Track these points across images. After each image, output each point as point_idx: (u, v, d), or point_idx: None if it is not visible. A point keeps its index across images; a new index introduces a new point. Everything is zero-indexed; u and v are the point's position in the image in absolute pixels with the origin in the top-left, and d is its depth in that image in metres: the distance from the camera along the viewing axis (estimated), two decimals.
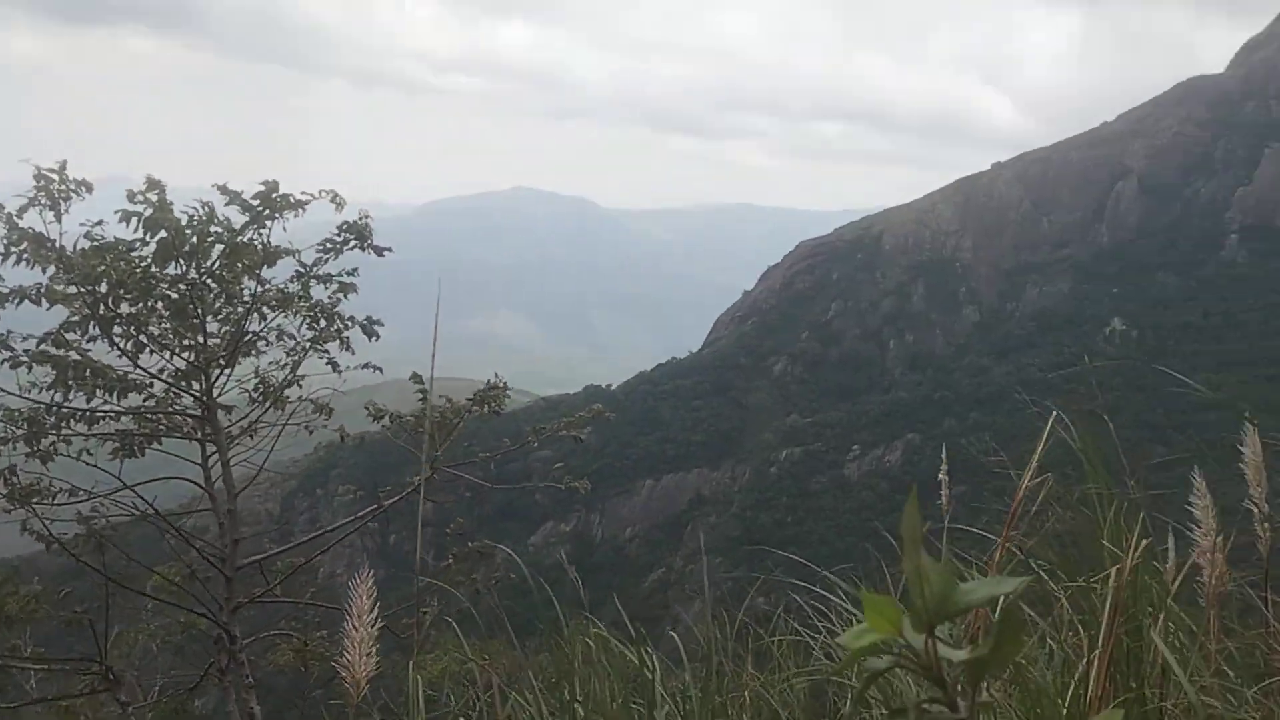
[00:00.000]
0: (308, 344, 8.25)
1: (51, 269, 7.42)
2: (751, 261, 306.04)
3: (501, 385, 8.18)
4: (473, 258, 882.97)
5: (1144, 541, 3.63)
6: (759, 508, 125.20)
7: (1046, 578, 4.19)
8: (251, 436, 8.66)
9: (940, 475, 4.69)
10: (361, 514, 8.33)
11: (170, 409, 8.25)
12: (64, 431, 7.81)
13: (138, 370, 7.92)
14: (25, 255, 7.35)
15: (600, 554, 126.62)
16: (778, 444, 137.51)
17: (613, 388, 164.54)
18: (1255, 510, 4.20)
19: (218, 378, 8.16)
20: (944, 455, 4.73)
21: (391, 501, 8.00)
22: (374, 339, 8.18)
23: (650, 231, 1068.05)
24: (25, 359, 7.58)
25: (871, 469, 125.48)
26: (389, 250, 8.12)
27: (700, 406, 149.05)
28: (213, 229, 7.39)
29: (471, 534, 8.82)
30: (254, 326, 8.14)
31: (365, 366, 8.41)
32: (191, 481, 8.36)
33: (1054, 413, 3.69)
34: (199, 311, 7.74)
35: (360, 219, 7.97)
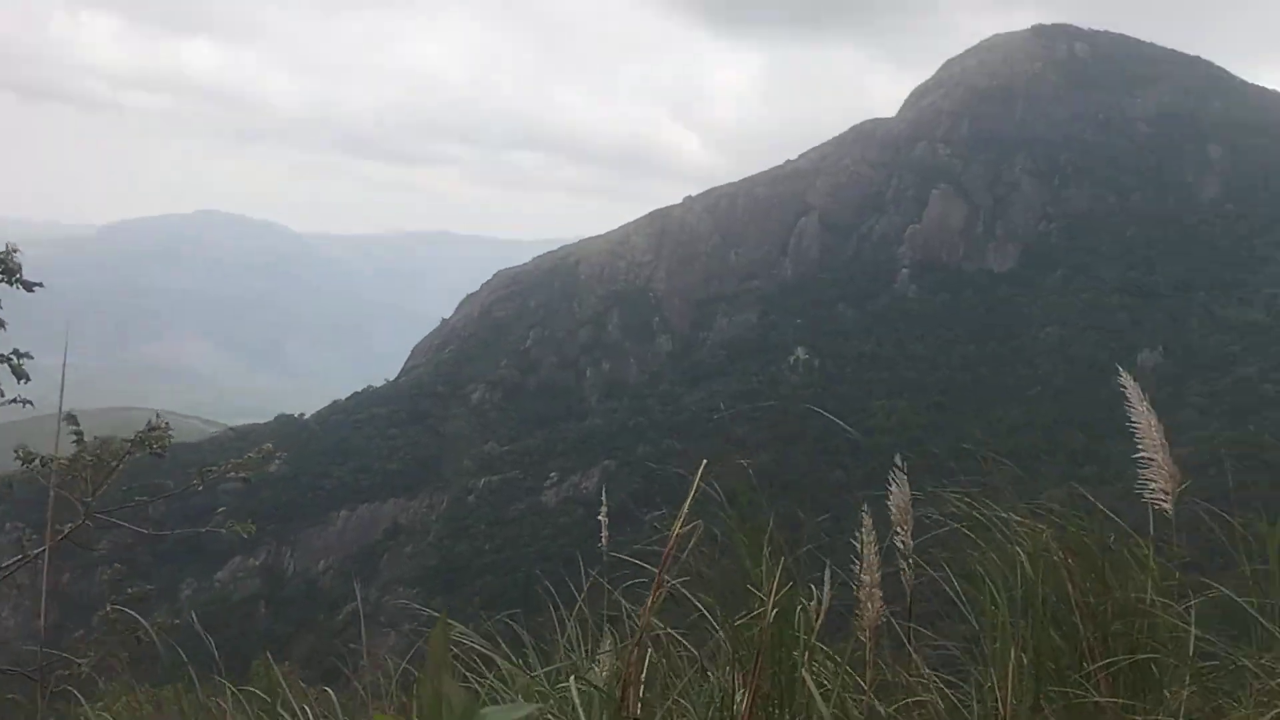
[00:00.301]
0: None
1: None
2: (450, 289, 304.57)
3: (163, 425, 7.77)
4: (156, 282, 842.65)
5: (789, 584, 3.78)
6: (457, 536, 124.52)
7: (709, 616, 4.29)
8: None
9: (600, 517, 4.73)
10: (4, 565, 7.76)
11: None
12: None
13: None
14: None
15: (292, 587, 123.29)
16: (476, 472, 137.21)
17: (306, 416, 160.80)
18: (899, 549, 4.43)
19: None
20: (604, 498, 4.76)
21: (39, 551, 7.49)
22: (23, 381, 7.60)
23: (346, 258, 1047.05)
24: None
25: (569, 495, 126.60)
26: (39, 285, 7.58)
27: (397, 435, 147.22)
28: None
29: (131, 580, 8.35)
30: None
31: (14, 401, 7.82)
32: None
33: (704, 461, 3.79)
34: None
35: (4, 251, 7.39)
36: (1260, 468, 79.76)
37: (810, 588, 4.32)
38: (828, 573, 4.39)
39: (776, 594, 3.76)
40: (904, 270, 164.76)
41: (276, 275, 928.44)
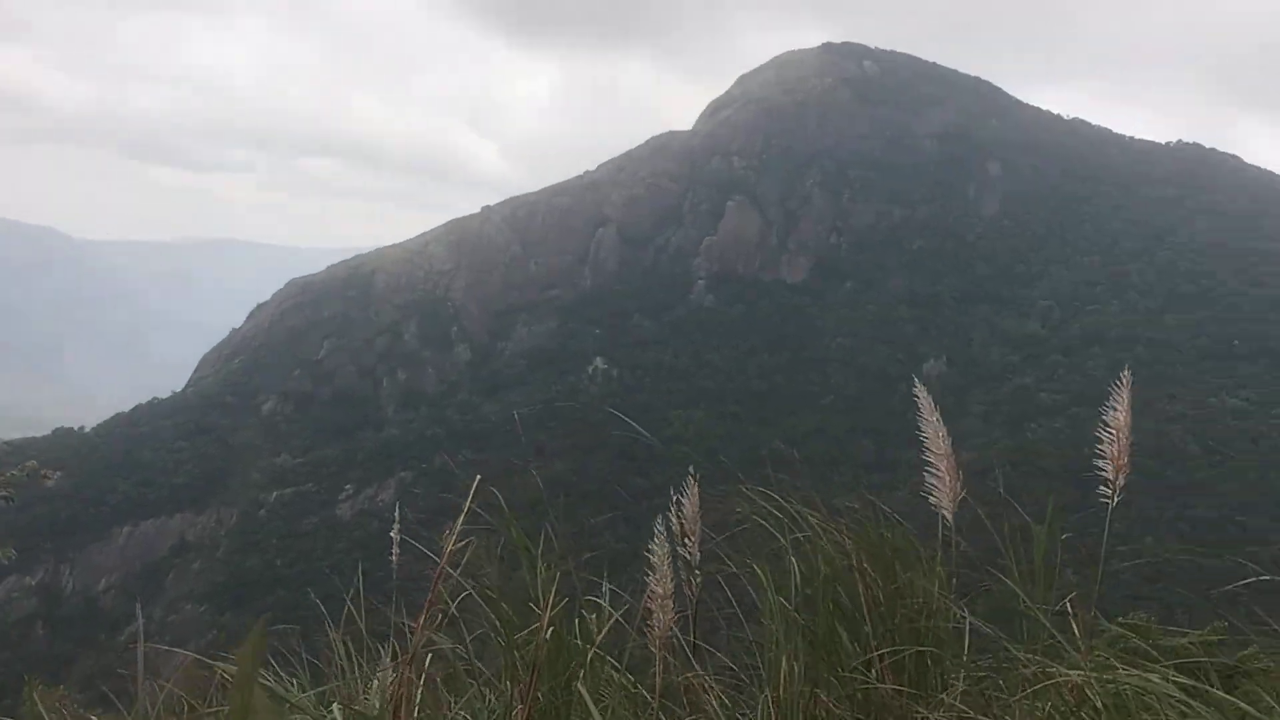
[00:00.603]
0: None
1: None
2: (240, 298, 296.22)
3: None
4: None
5: (565, 597, 3.76)
6: (247, 551, 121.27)
7: (492, 631, 4.22)
8: None
9: (392, 534, 4.60)
10: None
11: None
12: None
13: None
14: None
15: (71, 606, 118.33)
16: (267, 485, 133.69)
17: (86, 430, 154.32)
18: (686, 560, 4.45)
19: None
20: (397, 514, 4.63)
21: None
22: None
23: (130, 265, 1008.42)
24: None
25: (364, 508, 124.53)
26: None
27: (184, 448, 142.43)
28: None
29: None
30: None
31: None
32: None
33: (478, 476, 3.74)
34: None
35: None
36: (1037, 473, 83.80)
37: (597, 600, 4.31)
38: (606, 585, 4.39)
39: (554, 606, 3.73)
40: (700, 281, 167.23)
41: (53, 283, 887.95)
